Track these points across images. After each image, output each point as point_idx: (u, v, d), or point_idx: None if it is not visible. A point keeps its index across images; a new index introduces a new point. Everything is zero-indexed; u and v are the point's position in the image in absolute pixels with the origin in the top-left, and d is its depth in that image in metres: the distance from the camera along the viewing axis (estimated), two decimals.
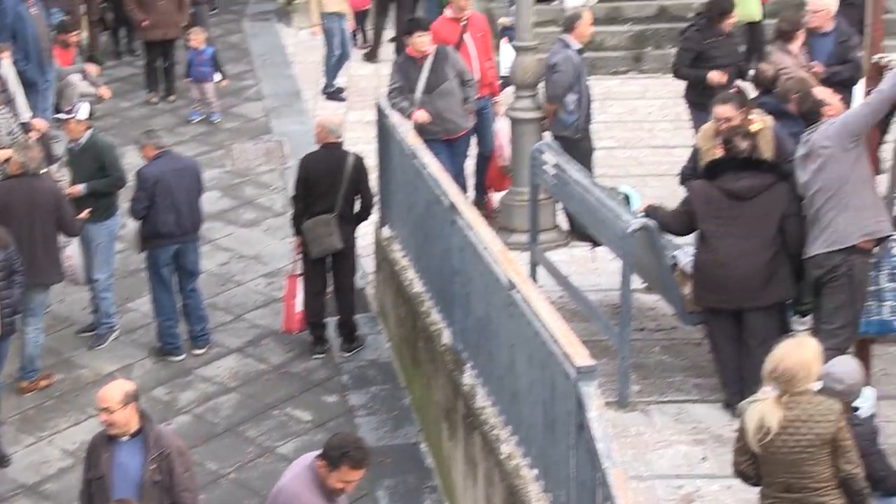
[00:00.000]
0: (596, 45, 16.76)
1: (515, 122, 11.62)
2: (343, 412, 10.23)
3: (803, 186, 8.38)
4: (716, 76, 11.54)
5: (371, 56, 17.73)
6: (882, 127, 8.71)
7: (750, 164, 8.45)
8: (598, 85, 15.75)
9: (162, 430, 7.41)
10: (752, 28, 15.38)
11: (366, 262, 11.97)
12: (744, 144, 8.52)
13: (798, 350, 6.22)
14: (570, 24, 11.50)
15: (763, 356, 6.44)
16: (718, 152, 8.82)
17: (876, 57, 8.67)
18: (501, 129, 12.06)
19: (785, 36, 11.17)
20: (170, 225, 10.66)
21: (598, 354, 8.80)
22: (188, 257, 10.91)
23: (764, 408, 6.17)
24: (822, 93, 8.64)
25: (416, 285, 10.16)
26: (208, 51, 16.08)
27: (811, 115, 8.48)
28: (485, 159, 12.29)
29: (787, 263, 8.38)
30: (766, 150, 8.94)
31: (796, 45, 11.12)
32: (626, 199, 9.80)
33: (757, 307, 8.38)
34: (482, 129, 12.12)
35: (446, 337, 9.23)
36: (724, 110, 9.02)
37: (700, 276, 8.54)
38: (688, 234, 8.73)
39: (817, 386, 6.39)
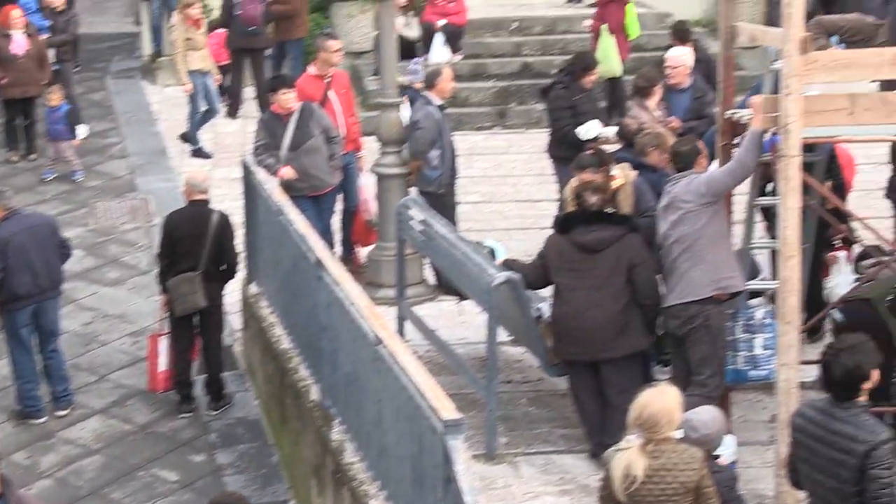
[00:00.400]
0: (461, 101, 16.96)
1: (381, 178, 11.68)
2: (211, 471, 10.11)
3: (662, 236, 8.57)
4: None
5: (232, 112, 17.66)
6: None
7: (600, 217, 8.57)
8: (463, 140, 15.90)
9: (23, 495, 7.22)
10: (613, 84, 15.70)
11: (233, 320, 11.87)
12: (593, 199, 8.62)
13: (660, 397, 6.32)
14: (430, 80, 11.63)
15: (622, 406, 6.53)
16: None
17: (728, 112, 8.91)
18: (366, 183, 12.11)
19: (642, 92, 11.44)
20: (27, 285, 10.44)
21: (466, 407, 8.85)
22: (48, 316, 10.70)
23: (629, 456, 6.25)
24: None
25: (284, 342, 10.11)
26: (63, 108, 15.87)
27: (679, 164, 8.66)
28: (350, 214, 12.32)
29: (638, 314, 8.51)
30: (626, 204, 9.11)
31: (653, 101, 11.39)
32: (492, 252, 9.90)
33: (612, 358, 8.49)
34: (347, 184, 12.16)
35: (314, 393, 9.20)
36: (585, 176, 9.13)
37: (556, 329, 8.66)
38: (544, 286, 8.84)
39: (679, 434, 6.49)
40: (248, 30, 17.19)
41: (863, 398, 6.39)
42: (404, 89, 15.54)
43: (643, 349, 8.64)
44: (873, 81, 8.27)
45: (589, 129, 11.73)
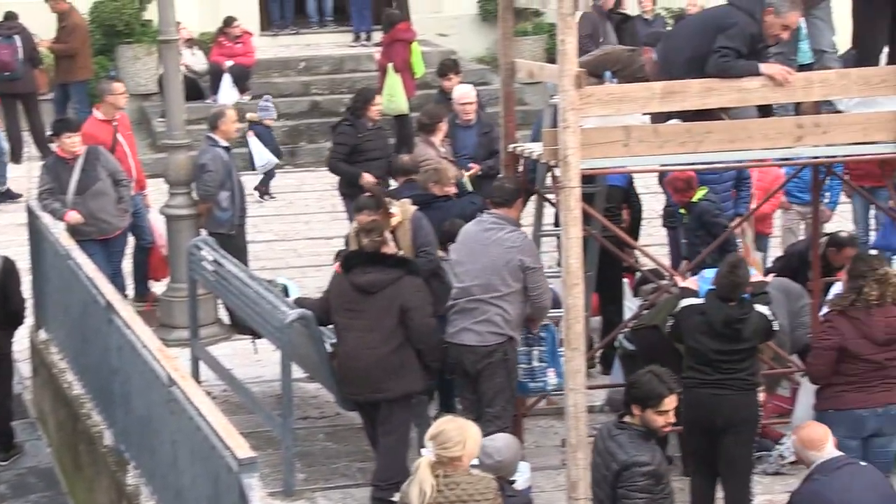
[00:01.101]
0: None
1: (171, 219, 11.54)
2: None
3: (462, 275, 8.69)
4: (367, 179, 11.80)
5: (15, 157, 17.19)
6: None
7: (376, 259, 8.53)
8: (255, 180, 15.87)
9: None
10: (401, 120, 15.87)
11: (22, 367, 11.54)
12: (367, 240, 8.60)
13: (460, 422, 6.40)
14: (214, 122, 11.55)
15: (388, 446, 6.52)
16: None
17: (511, 146, 9.12)
18: (158, 220, 11.97)
19: (427, 128, 11.59)
20: None
21: (264, 445, 8.82)
22: None
23: (420, 473, 6.29)
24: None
25: (76, 387, 9.87)
26: None
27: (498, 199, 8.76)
28: (144, 251, 12.17)
29: (414, 357, 8.45)
30: (404, 241, 9.17)
31: (438, 137, 11.55)
32: (285, 290, 9.89)
33: (385, 399, 8.45)
34: (137, 223, 12.01)
35: (108, 438, 9.00)
36: (363, 218, 9.09)
37: (337, 368, 8.66)
38: (329, 324, 8.81)
39: (475, 462, 6.59)
40: (3, 75, 16.82)
41: (636, 420, 6.68)
42: (252, 124, 15.52)
43: (418, 391, 8.58)
44: (646, 114, 8.55)
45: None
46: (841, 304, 8.08)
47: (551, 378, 8.84)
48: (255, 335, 10.13)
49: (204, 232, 11.30)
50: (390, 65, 16.00)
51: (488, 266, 8.54)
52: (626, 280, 10.88)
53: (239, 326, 10.71)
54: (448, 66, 13.66)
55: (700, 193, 10.76)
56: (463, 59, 19.69)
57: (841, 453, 7.17)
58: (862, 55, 9.01)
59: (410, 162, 10.62)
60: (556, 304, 9.06)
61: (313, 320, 8.67)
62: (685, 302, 8.19)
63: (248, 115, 16.10)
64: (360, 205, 9.20)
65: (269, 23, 20.40)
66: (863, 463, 7.24)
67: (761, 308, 8.08)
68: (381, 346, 8.37)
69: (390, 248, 8.69)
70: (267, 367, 10.52)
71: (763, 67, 8.21)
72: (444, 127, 11.58)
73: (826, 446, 7.08)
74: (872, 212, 12.06)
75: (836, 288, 10.07)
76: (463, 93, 12.22)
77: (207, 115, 12.51)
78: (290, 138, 17.74)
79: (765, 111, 8.65)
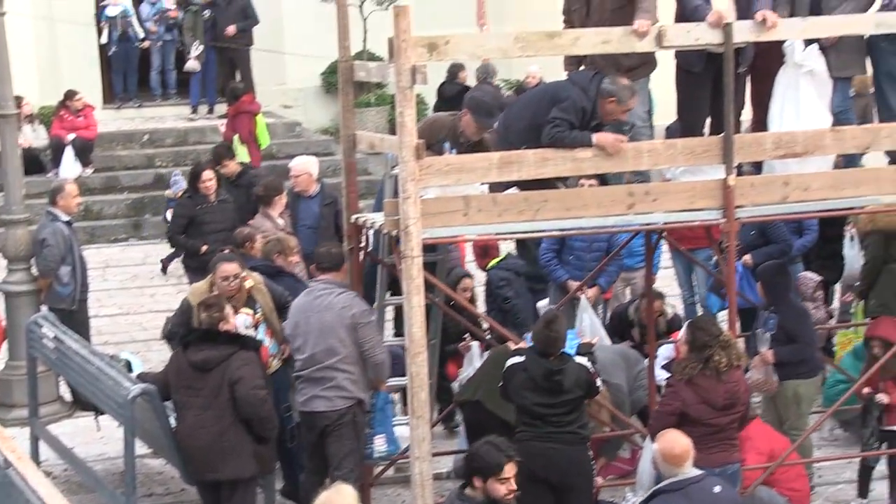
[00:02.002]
0: (94, 215, 16.66)
1: (9, 296, 11.25)
2: None
3: (302, 346, 8.67)
4: (201, 247, 11.71)
5: None
6: None
7: (211, 336, 8.39)
8: (98, 253, 15.62)
9: None
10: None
11: None
12: (203, 315, 8.48)
13: (337, 496, 6.33)
14: (54, 196, 11.31)
15: None
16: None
17: (354, 217, 9.13)
18: None
19: (264, 200, 11.52)
20: None
21: None
22: None
23: None
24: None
25: None
26: None
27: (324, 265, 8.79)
28: None
29: (249, 438, 8.29)
30: (264, 303, 9.17)
31: (276, 210, 11.48)
32: (128, 365, 9.70)
33: (224, 479, 8.29)
34: None
35: None
36: (231, 268, 9.07)
37: (178, 445, 8.50)
38: (168, 400, 8.63)
39: None
40: None
41: (478, 493, 6.74)
42: (170, 201, 15.22)
43: (251, 475, 8.40)
44: (484, 183, 8.66)
45: None
46: (688, 374, 8.20)
47: (379, 445, 8.88)
48: (98, 412, 9.90)
49: (44, 308, 11.03)
50: (236, 136, 15.94)
51: (325, 331, 8.57)
52: (475, 343, 10.94)
53: (81, 403, 10.46)
54: (221, 154, 13.41)
55: (493, 262, 10.92)
56: (307, 130, 19.77)
57: (698, 472, 7.24)
58: (686, 126, 9.29)
59: (246, 233, 10.57)
60: (401, 368, 9.11)
61: (157, 395, 8.50)
62: (510, 362, 8.28)
63: (166, 193, 15.90)
64: (228, 256, 9.17)
65: (112, 96, 20.19)
66: (717, 488, 7.29)
67: (579, 359, 8.21)
68: (215, 425, 8.22)
69: (229, 325, 8.57)
70: (110, 443, 10.28)
71: (595, 138, 8.40)
72: (282, 199, 11.51)
73: (686, 463, 7.18)
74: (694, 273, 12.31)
75: (665, 350, 10.32)
76: (294, 164, 12.18)
77: (48, 189, 12.28)
78: (135, 211, 17.51)
79: None
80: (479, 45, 8.78)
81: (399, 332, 10.06)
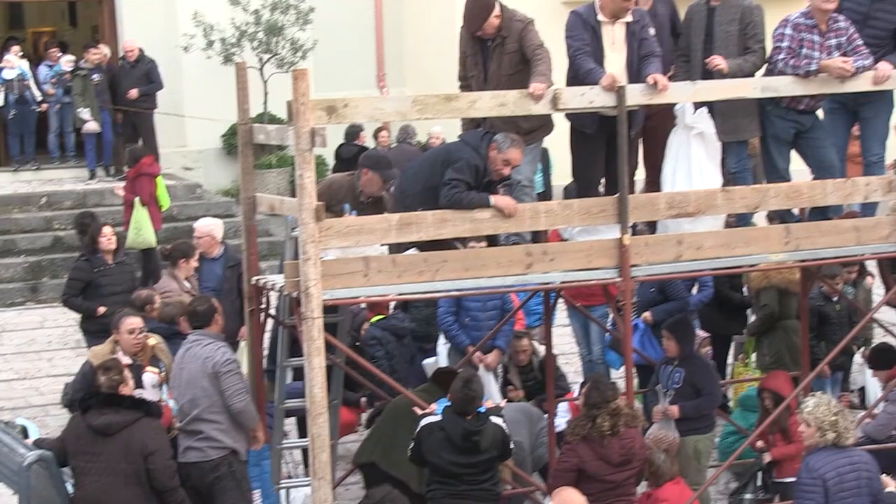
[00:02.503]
0: None
1: None
2: None
3: (177, 398, 8.76)
4: (101, 312, 11.61)
5: None
6: None
7: (113, 400, 8.28)
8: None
9: None
10: (148, 254, 15.64)
11: None
12: (103, 378, 8.40)
13: None
14: None
15: None
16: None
17: (255, 279, 9.12)
18: None
19: (172, 261, 11.46)
20: None
21: None
22: None
23: None
24: None
25: None
26: None
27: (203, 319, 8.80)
28: None
29: (156, 501, 8.23)
30: (167, 361, 9.13)
31: (184, 270, 11.42)
32: (24, 431, 9.51)
33: None
34: None
35: None
36: (136, 321, 9.08)
37: None
38: (64, 466, 8.48)
39: None
40: None
41: None
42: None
43: None
44: (384, 245, 8.71)
45: None
46: (579, 433, 8.29)
47: (255, 502, 8.87)
48: None
49: None
50: (136, 199, 15.82)
51: (191, 382, 8.63)
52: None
53: None
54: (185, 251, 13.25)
55: (374, 319, 10.98)
56: (208, 191, 19.67)
57: None
58: (581, 186, 9.45)
59: (147, 294, 10.49)
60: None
61: (54, 461, 8.35)
62: (424, 421, 8.28)
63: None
64: (127, 312, 9.14)
65: (9, 158, 19.94)
66: None
67: (496, 420, 8.25)
68: (120, 492, 8.10)
69: (128, 389, 8.48)
70: None
71: (493, 200, 8.50)
72: (189, 263, 11.41)
73: None
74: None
75: (562, 407, 10.42)
76: (198, 226, 12.12)
77: None
78: (32, 274, 17.24)
79: None
80: (378, 107, 8.82)
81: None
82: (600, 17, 9.08)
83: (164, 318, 9.98)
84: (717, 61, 9.20)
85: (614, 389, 8.48)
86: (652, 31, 9.20)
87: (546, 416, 10.10)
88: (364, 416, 10.99)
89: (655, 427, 9.55)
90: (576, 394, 10.70)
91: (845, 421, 7.46)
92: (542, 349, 11.07)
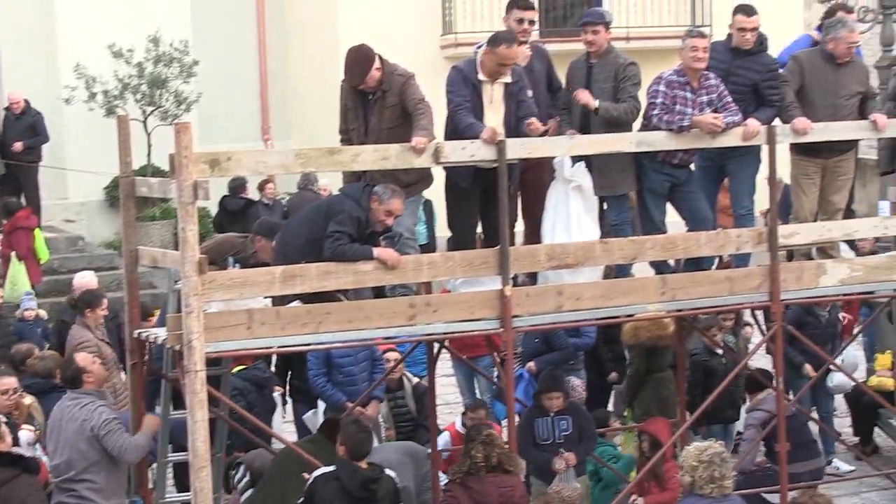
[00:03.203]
0: None
1: None
2: None
3: (52, 455, 8.64)
4: None
5: None
6: None
7: None
8: None
9: None
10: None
11: None
12: None
13: None
14: None
15: None
16: None
17: (137, 332, 9.01)
18: None
19: (79, 311, 11.25)
20: None
21: None
22: None
23: None
24: None
25: None
26: None
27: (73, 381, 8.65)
28: None
29: None
30: (40, 419, 8.97)
31: (92, 319, 11.17)
32: None
33: None
34: None
35: None
36: (9, 381, 8.97)
37: None
38: None
39: None
40: None
41: None
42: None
43: None
44: (267, 297, 8.68)
45: None
46: (458, 474, 8.33)
47: None
48: None
49: None
50: (13, 253, 15.55)
51: (68, 442, 8.50)
52: None
53: None
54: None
55: (237, 369, 10.95)
56: (91, 244, 19.40)
57: None
58: (457, 238, 9.54)
59: (25, 350, 10.33)
60: None
61: None
62: (317, 473, 8.18)
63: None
64: (2, 370, 9.01)
65: None
66: None
67: (388, 471, 8.22)
68: None
69: (5, 445, 8.31)
70: None
71: (376, 252, 8.54)
72: (97, 310, 11.16)
73: None
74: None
75: (443, 437, 10.43)
76: (75, 280, 11.96)
77: None
78: None
79: None
80: (261, 161, 8.80)
81: None
82: (480, 76, 9.22)
83: (38, 372, 9.82)
84: (582, 95, 9.35)
85: (490, 424, 8.50)
86: (530, 92, 9.37)
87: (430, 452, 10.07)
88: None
89: (557, 480, 9.62)
90: (457, 424, 10.77)
91: (722, 468, 7.45)
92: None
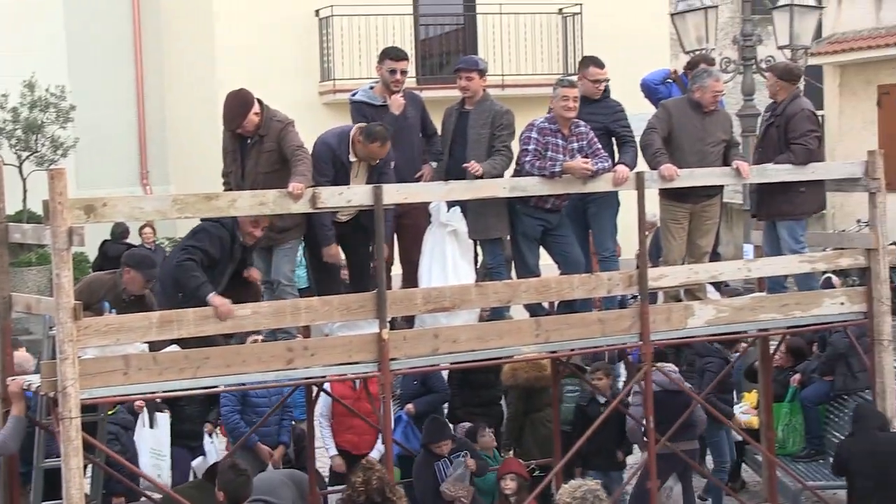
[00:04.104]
0: None
1: None
2: None
3: None
4: None
5: None
6: None
7: None
8: None
9: None
10: None
11: None
12: None
13: None
14: None
15: None
16: None
17: (10, 379, 8.79)
18: None
19: None
20: None
21: None
22: None
23: None
24: None
25: None
26: None
27: None
28: None
29: None
30: None
31: None
32: None
33: None
34: None
35: None
36: None
37: None
38: None
39: None
40: None
41: None
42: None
43: None
44: (145, 343, 8.55)
45: None
46: (340, 502, 8.25)
47: None
48: None
49: None
50: None
51: None
52: None
53: None
54: None
55: (110, 412, 10.77)
56: None
57: None
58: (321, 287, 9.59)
59: None
60: None
61: None
62: None
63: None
64: None
65: None
66: None
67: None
68: None
69: None
70: None
71: (210, 297, 8.47)
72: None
73: None
74: None
75: None
76: None
77: None
78: None
79: None
80: (137, 206, 8.65)
81: None
82: (351, 157, 9.31)
83: None
84: (474, 166, 9.44)
85: (378, 468, 8.43)
86: (392, 163, 9.46)
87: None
88: None
89: (452, 480, 9.78)
90: None
91: None
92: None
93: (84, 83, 20.16)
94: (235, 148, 9.31)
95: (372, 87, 9.92)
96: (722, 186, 10.49)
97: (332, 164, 9.23)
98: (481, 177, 9.45)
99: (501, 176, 9.66)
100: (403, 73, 9.90)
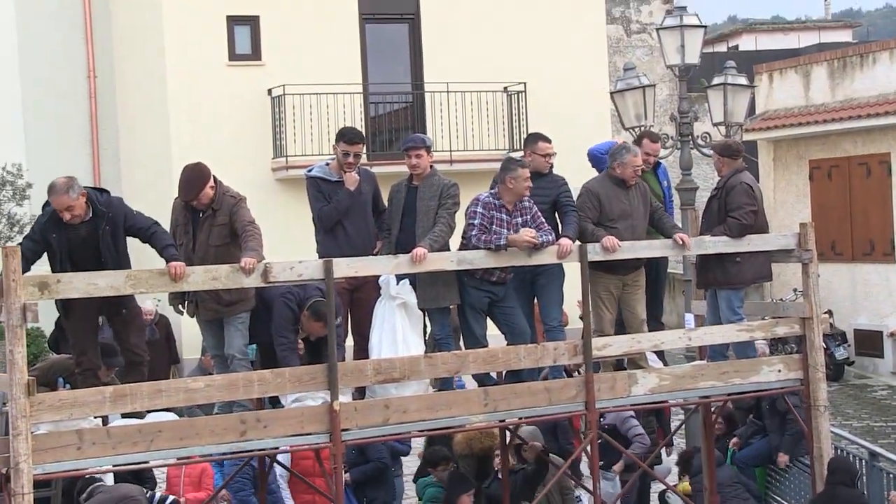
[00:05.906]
0: None
1: None
2: None
3: None
4: None
5: None
6: None
7: None
8: None
9: None
10: None
11: None
12: None
13: None
14: None
15: None
16: None
17: None
18: None
19: None
20: None
21: None
22: None
23: None
24: None
25: None
26: None
27: None
28: None
29: None
30: None
31: None
32: None
33: None
34: None
35: None
36: None
37: None
38: None
39: None
40: None
41: None
42: None
43: None
44: (97, 417, 8.42)
45: None
46: None
47: None
48: None
49: None
50: None
51: None
52: None
53: None
54: None
55: None
56: None
57: None
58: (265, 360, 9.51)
59: None
60: None
61: None
62: None
63: None
64: None
65: None
66: None
67: None
68: None
69: None
70: None
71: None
72: None
73: None
74: None
75: None
76: None
77: None
78: None
79: None
80: (91, 283, 8.52)
81: None
82: None
83: None
84: (418, 255, 9.31)
85: None
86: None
87: None
88: None
89: None
90: None
91: None
92: None
93: (41, 161, 20.03)
94: (187, 220, 9.28)
95: (328, 164, 9.97)
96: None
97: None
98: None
99: (445, 243, 9.65)
100: (357, 156, 9.95)
